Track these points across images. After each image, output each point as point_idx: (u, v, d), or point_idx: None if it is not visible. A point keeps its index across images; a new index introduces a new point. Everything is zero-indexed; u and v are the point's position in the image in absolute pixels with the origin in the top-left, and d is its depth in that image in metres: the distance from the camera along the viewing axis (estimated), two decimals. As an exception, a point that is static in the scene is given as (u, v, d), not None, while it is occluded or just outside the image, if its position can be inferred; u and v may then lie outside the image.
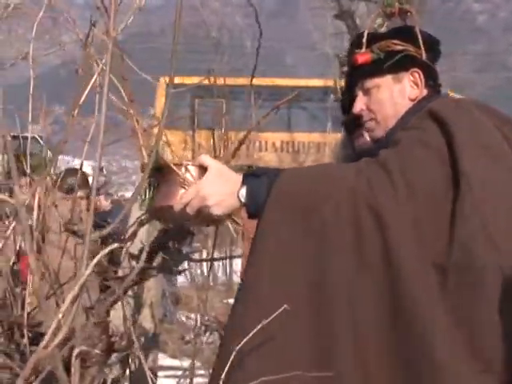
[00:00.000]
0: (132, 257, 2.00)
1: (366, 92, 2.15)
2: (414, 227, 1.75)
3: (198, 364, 4.45)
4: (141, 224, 2.08)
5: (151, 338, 3.43)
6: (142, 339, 3.29)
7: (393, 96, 2.14)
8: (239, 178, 1.90)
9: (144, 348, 3.25)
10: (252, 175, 1.90)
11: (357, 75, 2.17)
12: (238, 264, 11.00)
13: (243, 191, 1.88)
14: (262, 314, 1.68)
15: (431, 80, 2.17)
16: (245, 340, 1.65)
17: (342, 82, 2.38)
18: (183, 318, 7.35)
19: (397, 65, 2.13)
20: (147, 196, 1.90)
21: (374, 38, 2.16)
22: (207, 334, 3.81)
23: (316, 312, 1.73)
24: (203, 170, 1.90)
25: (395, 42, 2.14)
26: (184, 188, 1.89)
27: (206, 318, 3.29)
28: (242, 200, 1.88)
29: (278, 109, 2.21)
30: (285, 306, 1.66)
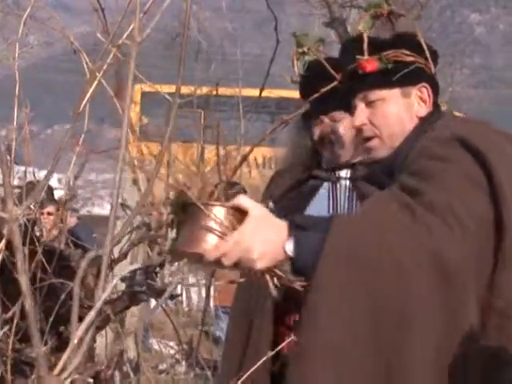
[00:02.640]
0: (122, 279, 1.97)
1: (370, 104, 2.08)
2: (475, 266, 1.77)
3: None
4: (132, 245, 2.04)
5: (134, 368, 3.40)
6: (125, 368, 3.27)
7: (400, 112, 2.08)
8: (283, 226, 1.83)
9: (125, 377, 3.22)
10: (298, 226, 1.83)
11: (359, 83, 2.09)
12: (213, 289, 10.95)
13: (290, 244, 1.81)
14: None
15: (436, 96, 2.13)
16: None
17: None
18: (156, 346, 7.31)
19: (406, 78, 2.06)
20: (172, 235, 1.82)
21: (376, 44, 2.08)
22: (183, 363, 3.79)
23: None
24: (238, 212, 1.80)
25: (405, 52, 2.07)
26: (213, 233, 1.77)
27: (182, 346, 3.27)
28: (290, 254, 1.81)
29: (287, 123, 2.13)
30: None
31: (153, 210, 1.89)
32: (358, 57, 2.05)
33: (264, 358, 1.72)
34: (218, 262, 1.79)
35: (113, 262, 1.97)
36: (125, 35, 1.41)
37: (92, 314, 1.21)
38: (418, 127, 2.06)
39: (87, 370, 1.87)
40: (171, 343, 6.79)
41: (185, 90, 2.12)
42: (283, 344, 1.85)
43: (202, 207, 1.76)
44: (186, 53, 1.50)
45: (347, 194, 3.05)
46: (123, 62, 1.43)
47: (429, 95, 2.09)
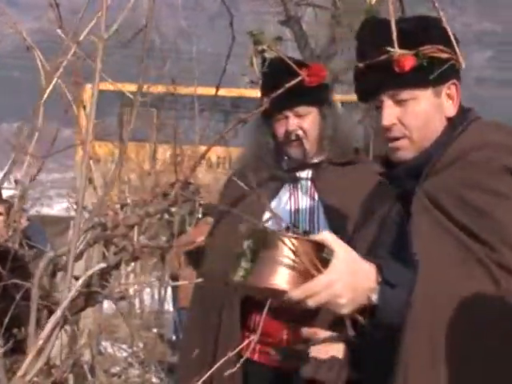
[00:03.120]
0: (77, 279, 1.96)
1: (400, 103, 1.95)
2: None
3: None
4: (88, 245, 2.03)
5: (89, 370, 3.38)
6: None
7: (431, 112, 1.96)
8: (371, 272, 1.78)
9: (78, 380, 3.20)
10: (384, 273, 1.78)
11: (390, 80, 1.93)
12: (168, 291, 10.91)
13: (376, 295, 1.77)
14: None
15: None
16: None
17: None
18: (110, 349, 7.27)
19: (440, 76, 1.92)
20: (242, 265, 1.73)
21: (408, 34, 1.88)
22: (136, 366, 3.77)
23: None
24: (315, 246, 1.74)
25: (441, 48, 1.92)
26: (296, 271, 1.71)
27: (135, 348, 3.26)
28: (374, 301, 1.77)
29: (245, 122, 2.10)
30: None
31: (109, 209, 1.87)
32: (390, 50, 1.85)
33: (224, 358, 1.72)
34: (300, 302, 1.74)
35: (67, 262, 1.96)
36: (85, 32, 1.40)
37: (58, 314, 1.20)
38: (448, 130, 1.97)
39: (42, 374, 1.86)
40: (124, 346, 6.76)
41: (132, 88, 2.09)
42: (243, 344, 1.86)
43: (284, 240, 1.70)
44: (144, 51, 1.49)
45: (308, 196, 3.05)
46: (81, 59, 1.42)
47: (457, 92, 1.98)
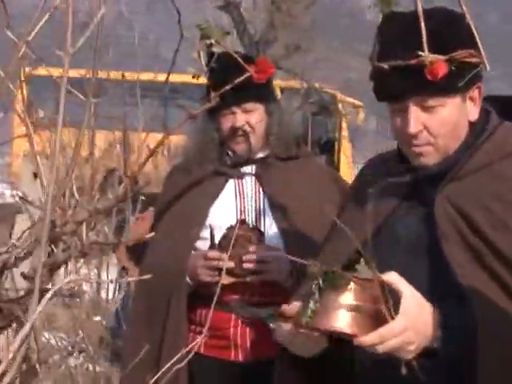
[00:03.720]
0: (25, 277, 1.93)
1: (427, 109, 1.86)
2: None
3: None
4: (37, 241, 1.99)
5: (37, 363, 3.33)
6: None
7: (458, 118, 1.89)
8: (432, 317, 1.75)
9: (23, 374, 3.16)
10: (442, 319, 1.76)
11: (418, 86, 1.82)
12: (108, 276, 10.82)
13: (438, 341, 1.75)
14: None
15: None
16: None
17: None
18: (52, 341, 7.20)
19: (468, 82, 1.84)
20: (310, 306, 1.69)
21: (438, 37, 1.78)
22: (75, 354, 3.74)
23: None
24: (381, 286, 1.69)
25: (472, 52, 1.81)
26: (357, 311, 1.67)
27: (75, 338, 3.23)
28: (436, 346, 1.75)
29: (195, 117, 2.08)
30: None
31: (57, 205, 1.85)
32: (421, 55, 1.76)
33: (178, 356, 1.72)
34: (365, 348, 1.71)
35: (17, 260, 1.93)
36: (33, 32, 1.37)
37: (27, 329, 1.17)
38: (471, 134, 1.92)
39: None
40: (63, 335, 6.71)
41: (75, 73, 2.06)
42: (194, 343, 1.85)
43: (352, 282, 1.67)
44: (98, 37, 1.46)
45: (254, 191, 3.06)
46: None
47: (480, 95, 1.91)
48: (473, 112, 1.91)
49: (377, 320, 1.69)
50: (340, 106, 18.28)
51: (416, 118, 1.86)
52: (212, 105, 1.86)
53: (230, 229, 2.88)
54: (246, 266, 2.90)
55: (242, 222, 2.97)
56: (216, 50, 2.40)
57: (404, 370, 1.74)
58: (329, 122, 18.67)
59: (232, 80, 1.90)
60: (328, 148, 18.73)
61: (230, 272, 2.89)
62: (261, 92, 2.99)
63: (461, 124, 1.90)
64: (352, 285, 1.68)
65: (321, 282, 1.69)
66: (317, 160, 3.44)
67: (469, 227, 1.84)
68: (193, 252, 3.00)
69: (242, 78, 1.89)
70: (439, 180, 1.91)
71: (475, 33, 1.73)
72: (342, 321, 1.68)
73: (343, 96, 18.43)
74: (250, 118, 3.01)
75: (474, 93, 1.91)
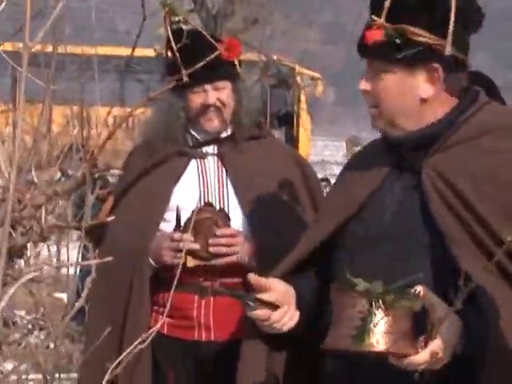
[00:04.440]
0: None
1: (375, 74, 2.04)
2: None
3: (25, 367, 4.36)
4: None
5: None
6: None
7: (403, 90, 2.03)
8: (457, 324, 1.81)
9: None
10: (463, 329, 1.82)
11: (366, 49, 2.04)
12: (67, 254, 10.75)
13: (461, 348, 1.82)
14: None
15: (455, 77, 2.05)
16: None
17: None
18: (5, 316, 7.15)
19: (413, 57, 1.99)
20: (369, 326, 1.72)
21: (399, 8, 1.97)
22: (36, 332, 3.72)
23: None
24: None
25: (416, 30, 1.98)
26: (402, 331, 1.72)
27: (35, 315, 3.21)
28: (458, 351, 1.83)
29: (154, 99, 2.03)
30: None
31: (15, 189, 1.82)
32: (375, 19, 2.00)
33: (139, 340, 1.72)
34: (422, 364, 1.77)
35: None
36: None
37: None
38: (455, 110, 2.03)
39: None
40: (21, 312, 6.67)
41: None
42: (157, 326, 1.85)
43: (399, 303, 1.72)
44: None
45: (216, 171, 3.05)
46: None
47: (439, 77, 2.01)
48: (426, 90, 2.02)
49: (404, 337, 1.75)
50: (298, 78, 18.30)
51: (367, 78, 2.04)
52: (181, 82, 1.85)
53: (197, 211, 2.87)
54: (212, 249, 2.90)
55: (208, 204, 2.97)
56: (185, 27, 2.39)
57: (417, 376, 1.80)
58: (287, 94, 18.70)
59: (201, 57, 1.89)
60: (287, 121, 18.78)
61: (195, 254, 2.89)
62: (229, 70, 3.02)
63: (406, 99, 2.02)
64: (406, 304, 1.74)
65: (381, 302, 1.72)
66: (278, 140, 3.45)
67: (455, 197, 1.94)
68: (157, 233, 2.99)
69: (212, 55, 1.88)
70: (423, 154, 2.02)
71: (452, 15, 1.94)
72: (392, 342, 1.73)
73: (301, 68, 18.43)
74: (221, 94, 3.01)
75: (432, 75, 2.02)
